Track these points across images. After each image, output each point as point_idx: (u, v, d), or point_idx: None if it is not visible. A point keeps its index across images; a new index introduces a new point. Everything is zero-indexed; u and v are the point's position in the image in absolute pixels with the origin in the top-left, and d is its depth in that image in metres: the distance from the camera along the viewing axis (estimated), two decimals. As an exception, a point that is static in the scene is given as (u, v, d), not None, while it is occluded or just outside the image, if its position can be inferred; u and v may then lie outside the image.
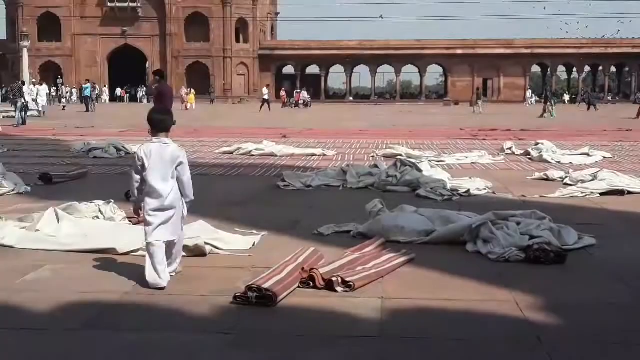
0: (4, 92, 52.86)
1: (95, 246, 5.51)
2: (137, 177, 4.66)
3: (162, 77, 14.01)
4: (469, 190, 8.62)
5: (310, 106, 51.33)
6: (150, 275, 4.52)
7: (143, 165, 4.62)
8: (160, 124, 4.78)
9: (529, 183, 9.81)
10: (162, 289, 4.49)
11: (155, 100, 13.84)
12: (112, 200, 6.77)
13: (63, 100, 49.53)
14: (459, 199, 8.29)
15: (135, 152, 4.95)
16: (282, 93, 55.73)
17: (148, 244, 4.57)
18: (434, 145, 16.30)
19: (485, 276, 4.83)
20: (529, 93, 60.74)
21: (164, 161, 4.62)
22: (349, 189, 9.23)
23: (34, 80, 41.88)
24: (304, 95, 54.67)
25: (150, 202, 4.59)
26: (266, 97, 45.59)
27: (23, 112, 25.70)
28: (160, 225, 4.59)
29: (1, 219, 6.36)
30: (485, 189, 8.89)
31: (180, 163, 4.72)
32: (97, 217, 6.38)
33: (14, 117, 27.40)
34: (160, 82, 13.73)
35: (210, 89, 61.26)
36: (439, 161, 12.16)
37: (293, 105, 52.28)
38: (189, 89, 50.52)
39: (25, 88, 25.34)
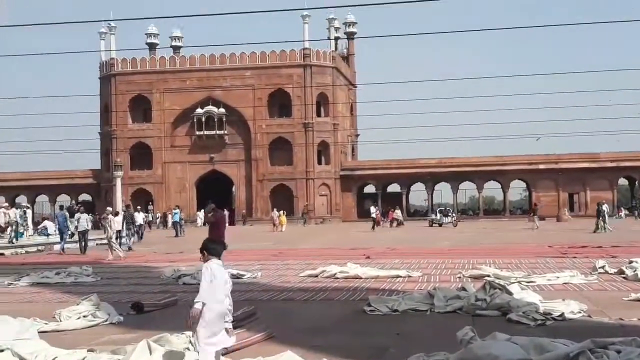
0: (98, 220, 55.32)
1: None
2: None
3: (217, 207, 14.82)
4: (563, 313, 8.31)
5: (402, 225, 50.42)
6: None
7: None
8: (213, 251, 5.40)
9: (625, 304, 9.39)
10: None
11: (211, 228, 14.30)
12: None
13: (153, 225, 51.16)
14: (552, 323, 7.99)
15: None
16: (375, 211, 48.71)
17: None
18: (522, 264, 15.89)
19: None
20: (605, 207, 56.53)
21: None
22: (436, 313, 9.05)
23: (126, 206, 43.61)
24: (397, 214, 53.14)
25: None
26: (374, 215, 46.20)
27: (133, 238, 27.36)
28: None
29: (94, 351, 6.51)
30: (580, 312, 8.56)
31: None
32: (188, 349, 6.45)
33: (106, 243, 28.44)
34: (216, 211, 14.31)
35: (304, 210, 62.36)
36: (529, 282, 11.80)
37: (389, 224, 50.61)
38: (281, 212, 51.38)
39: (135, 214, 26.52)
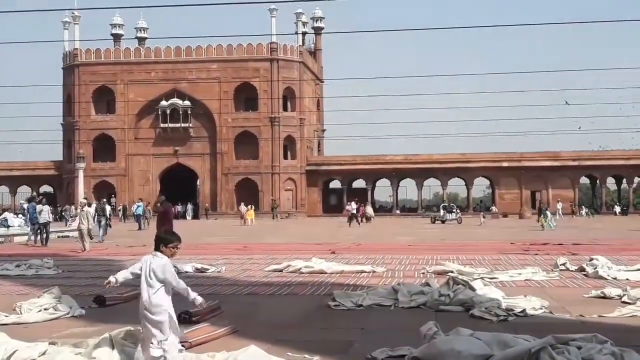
0: (60, 212, 54.52)
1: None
2: None
3: (166, 198, 14.90)
4: (524, 309, 8.42)
5: (370, 221, 49.58)
6: None
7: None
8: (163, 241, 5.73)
9: (586, 301, 9.55)
10: None
11: (160, 219, 14.30)
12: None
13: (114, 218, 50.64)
14: (515, 319, 8.09)
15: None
16: (349, 207, 48.47)
17: None
18: (485, 260, 16.06)
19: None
20: (558, 205, 57.31)
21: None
22: (400, 308, 9.10)
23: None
24: (368, 210, 52.81)
25: None
26: (354, 211, 45.56)
27: (103, 230, 27.25)
28: None
29: (56, 344, 6.42)
30: (541, 308, 8.68)
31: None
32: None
33: (68, 236, 28.12)
34: (164, 202, 14.34)
35: (273, 204, 62.32)
36: (491, 278, 11.93)
37: (361, 220, 49.09)
38: (249, 206, 51.66)
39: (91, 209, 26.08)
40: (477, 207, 65.48)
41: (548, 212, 35.89)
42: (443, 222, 46.24)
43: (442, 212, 48.24)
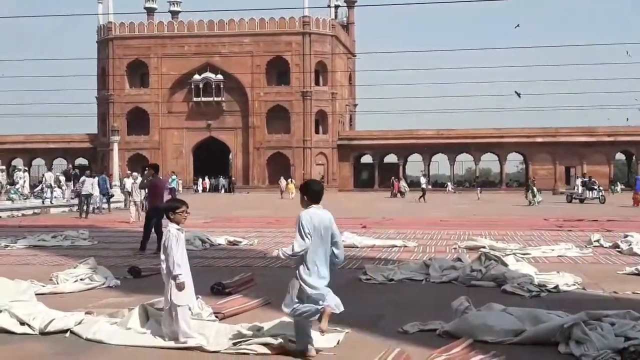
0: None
1: (182, 345, 5.60)
2: None
3: (157, 171, 14.32)
4: (557, 286, 8.37)
5: (403, 196, 49.48)
6: None
7: None
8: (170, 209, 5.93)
9: (620, 278, 9.45)
10: None
11: (149, 192, 14.06)
12: (200, 297, 6.87)
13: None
14: (547, 295, 8.04)
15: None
16: (401, 184, 50.52)
17: None
18: (517, 236, 15.96)
19: (581, 381, 4.62)
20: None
21: None
22: (432, 283, 9.10)
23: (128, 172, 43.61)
24: (403, 184, 52.92)
25: None
26: (424, 185, 44.40)
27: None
28: None
29: (92, 314, 6.55)
30: (574, 285, 8.62)
31: None
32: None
33: (104, 208, 28.54)
34: (155, 175, 13.99)
35: (322, 179, 61.41)
36: (524, 254, 11.85)
37: (398, 195, 49.95)
38: (289, 179, 52.19)
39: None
40: (510, 182, 64.88)
41: (535, 188, 35.68)
42: (582, 201, 38.27)
43: (580, 189, 39.12)
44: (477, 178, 68.01)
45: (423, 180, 46.38)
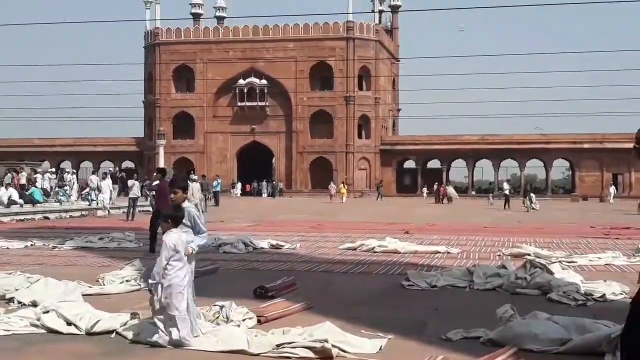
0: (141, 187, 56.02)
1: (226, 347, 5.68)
2: None
3: (164, 175, 14.31)
4: (604, 294, 8.21)
5: (451, 202, 48.38)
6: None
7: None
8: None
9: (670, 288, 9.21)
10: None
11: (156, 196, 14.04)
12: (233, 302, 6.92)
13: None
14: (594, 304, 7.90)
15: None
16: (509, 188, 44.04)
17: None
18: (563, 244, 15.70)
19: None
20: (611, 189, 55.93)
21: None
22: (475, 290, 9.01)
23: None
24: (450, 190, 51.29)
25: None
26: (507, 192, 42.06)
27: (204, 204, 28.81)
28: None
29: (137, 315, 6.65)
30: (622, 294, 8.44)
31: None
32: (217, 316, 6.59)
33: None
34: (161, 179, 13.96)
35: (379, 184, 60.15)
36: (570, 262, 11.66)
37: (442, 200, 48.70)
38: (341, 184, 52.89)
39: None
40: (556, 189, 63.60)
41: (532, 195, 37.39)
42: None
43: None
44: (526, 185, 66.60)
45: (506, 186, 43.98)
